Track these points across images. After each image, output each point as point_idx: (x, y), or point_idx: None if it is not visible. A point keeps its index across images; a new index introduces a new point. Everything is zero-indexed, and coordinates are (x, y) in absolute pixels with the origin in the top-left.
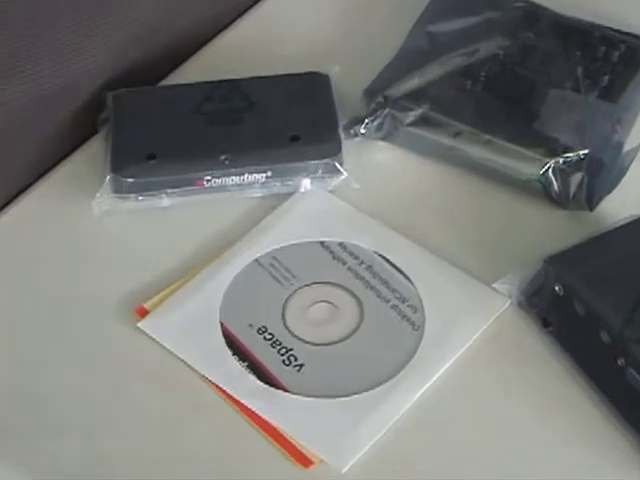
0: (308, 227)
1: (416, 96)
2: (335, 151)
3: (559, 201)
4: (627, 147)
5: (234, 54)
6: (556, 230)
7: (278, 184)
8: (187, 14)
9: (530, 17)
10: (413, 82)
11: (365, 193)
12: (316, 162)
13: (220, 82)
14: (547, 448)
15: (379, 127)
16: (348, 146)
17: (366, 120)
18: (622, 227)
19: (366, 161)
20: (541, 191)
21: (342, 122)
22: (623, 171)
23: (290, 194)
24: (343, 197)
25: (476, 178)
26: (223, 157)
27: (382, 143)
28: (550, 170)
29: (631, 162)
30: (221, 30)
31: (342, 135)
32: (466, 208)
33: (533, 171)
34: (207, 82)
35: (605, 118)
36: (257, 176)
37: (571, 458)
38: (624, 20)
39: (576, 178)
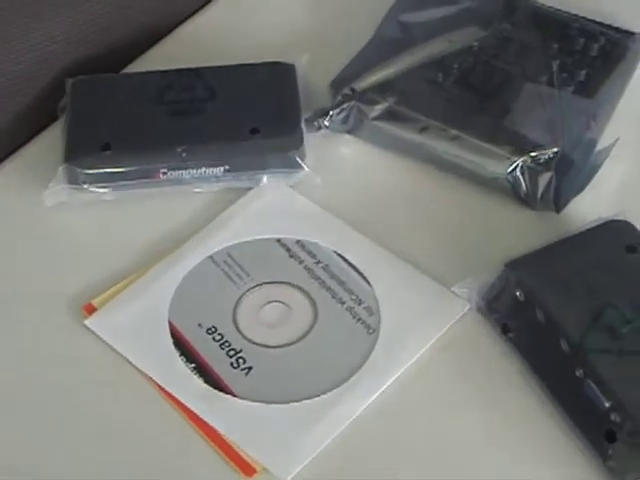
0: (265, 223)
1: (384, 89)
2: (296, 145)
3: (526, 201)
4: (600, 145)
5: (199, 42)
6: (522, 231)
7: (237, 178)
8: None
9: (508, 7)
10: (382, 74)
11: (327, 189)
12: (276, 156)
13: (182, 71)
14: (499, 458)
15: (344, 120)
16: (311, 139)
17: (331, 112)
18: (588, 232)
19: (330, 155)
20: (508, 190)
21: (307, 114)
22: (594, 170)
23: (249, 189)
24: (304, 192)
25: (442, 175)
26: (180, 149)
27: (347, 137)
28: (518, 169)
29: (603, 161)
30: (188, 17)
31: (305, 128)
32: (430, 206)
33: (500, 169)
34: (168, 71)
35: (579, 114)
36: (215, 170)
37: (522, 471)
38: (606, 11)
39: (544, 178)
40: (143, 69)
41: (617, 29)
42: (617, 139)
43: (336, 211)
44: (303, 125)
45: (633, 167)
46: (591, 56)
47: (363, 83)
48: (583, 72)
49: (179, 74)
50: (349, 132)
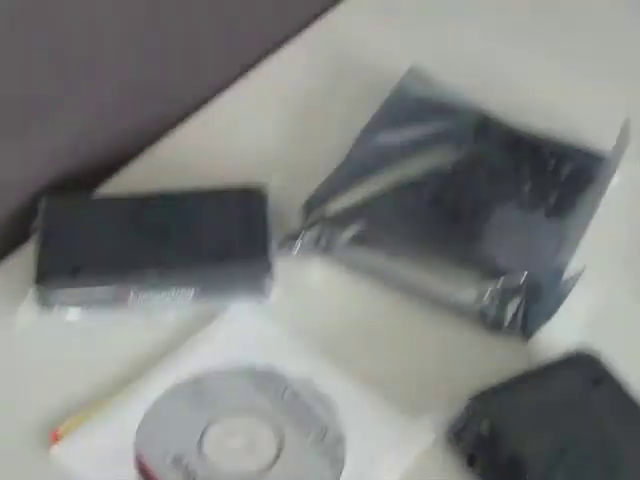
0: (233, 350)
1: (355, 212)
2: (265, 270)
3: (495, 328)
4: (569, 271)
5: (173, 163)
6: (491, 359)
7: (206, 302)
8: (126, 120)
9: (481, 128)
10: (353, 197)
11: (297, 314)
12: (245, 281)
13: (153, 195)
14: None
15: (315, 243)
16: (282, 262)
17: (302, 236)
18: (554, 364)
19: (300, 279)
20: (477, 316)
21: (278, 236)
22: (563, 297)
23: (218, 313)
24: (273, 318)
25: (412, 300)
26: (150, 272)
27: (318, 260)
28: (486, 295)
29: (571, 288)
30: (159, 137)
31: (275, 251)
32: (400, 334)
33: (469, 295)
34: (140, 195)
35: (549, 238)
36: (185, 294)
37: None
38: (578, 133)
39: (512, 305)
40: (115, 190)
41: (588, 151)
42: (584, 267)
43: (305, 336)
44: (273, 249)
45: (601, 295)
46: (562, 178)
47: (334, 206)
48: (554, 194)
49: (151, 198)
50: (320, 255)
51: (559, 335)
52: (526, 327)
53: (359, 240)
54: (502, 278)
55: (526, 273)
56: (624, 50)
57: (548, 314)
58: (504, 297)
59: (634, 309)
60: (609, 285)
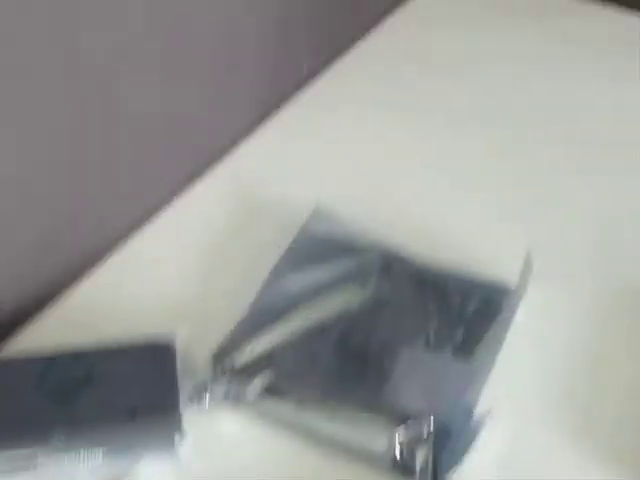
0: None
1: (263, 361)
2: (175, 427)
3: (405, 474)
4: (477, 411)
5: (79, 316)
6: None
7: (117, 462)
8: (28, 278)
9: (386, 266)
10: (261, 344)
11: (208, 468)
12: (155, 438)
13: (59, 353)
14: None
15: (225, 395)
16: (192, 415)
17: (211, 388)
18: None
19: (211, 432)
20: (388, 466)
21: (187, 389)
22: (473, 438)
23: (129, 472)
24: (184, 473)
25: (324, 451)
26: (57, 435)
27: (228, 411)
28: (395, 443)
29: (480, 429)
30: (66, 288)
31: (184, 405)
32: None
33: (378, 444)
34: (46, 354)
35: (457, 379)
36: (94, 454)
37: None
38: (482, 265)
39: (422, 452)
40: (17, 349)
41: (493, 285)
42: (492, 407)
43: None
44: (182, 405)
45: (512, 431)
46: (468, 314)
47: (243, 356)
48: (460, 332)
49: (57, 357)
50: (229, 407)
51: (473, 476)
52: (437, 474)
53: (268, 391)
54: (410, 424)
55: (434, 418)
56: (523, 181)
57: (459, 457)
58: (413, 444)
59: (546, 442)
60: (520, 421)
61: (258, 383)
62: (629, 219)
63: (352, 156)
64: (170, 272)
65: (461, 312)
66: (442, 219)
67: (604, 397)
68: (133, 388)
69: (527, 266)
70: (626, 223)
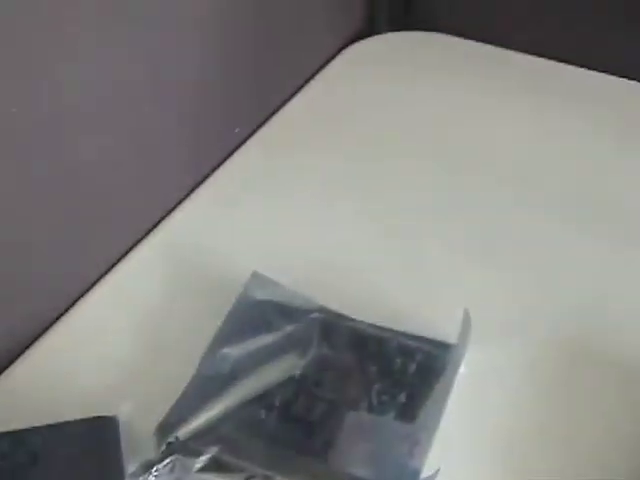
0: None
1: (206, 436)
2: None
3: None
4: (424, 474)
5: (15, 401)
6: None
7: None
8: None
9: (326, 329)
10: (205, 418)
11: None
12: None
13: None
14: None
15: (170, 471)
16: None
17: (155, 467)
18: None
19: None
20: None
21: (132, 467)
22: None
23: None
24: None
25: None
26: None
27: None
28: None
29: None
30: None
31: None
32: None
33: None
34: None
35: (401, 442)
36: None
37: None
38: (421, 325)
39: None
40: None
41: (434, 343)
42: (438, 469)
43: None
44: None
45: None
46: (410, 375)
47: (187, 430)
48: (403, 394)
49: None
50: None
51: None
52: None
53: (213, 467)
54: None
55: None
56: (456, 236)
57: None
58: None
59: None
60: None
61: (203, 458)
62: (569, 269)
63: (288, 223)
64: (106, 348)
65: (403, 374)
66: (379, 284)
67: (550, 460)
68: (77, 469)
69: (466, 324)
70: (567, 274)
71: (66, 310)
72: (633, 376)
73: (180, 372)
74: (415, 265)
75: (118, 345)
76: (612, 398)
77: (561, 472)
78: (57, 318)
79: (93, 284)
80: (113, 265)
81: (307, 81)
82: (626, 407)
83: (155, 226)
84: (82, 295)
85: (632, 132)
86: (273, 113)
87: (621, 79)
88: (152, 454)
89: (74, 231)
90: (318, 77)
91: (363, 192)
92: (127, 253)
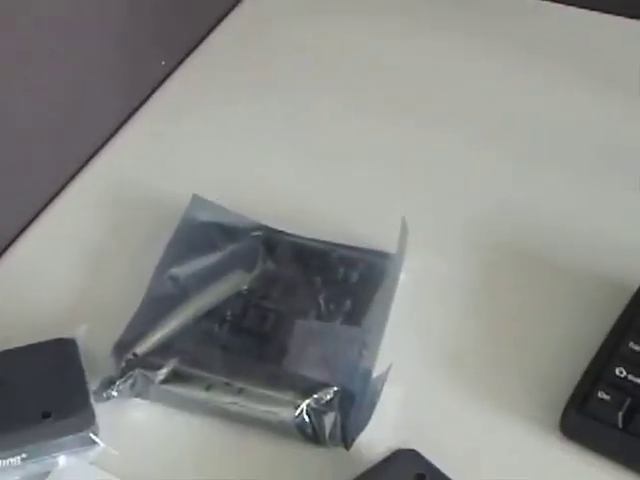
0: None
1: (165, 350)
2: (88, 423)
3: (317, 441)
4: (376, 373)
5: None
6: (317, 470)
7: (35, 465)
8: None
9: (269, 245)
10: (161, 334)
11: (126, 458)
12: (70, 437)
13: None
14: None
15: (132, 386)
16: (103, 409)
17: (117, 383)
18: (378, 465)
19: (123, 423)
20: (298, 434)
21: (94, 386)
22: (375, 399)
23: (48, 473)
24: (104, 466)
25: (237, 427)
26: None
27: (138, 400)
28: (303, 412)
29: (381, 388)
30: None
31: (94, 402)
32: (228, 462)
33: (286, 415)
34: None
35: (351, 345)
36: (12, 460)
37: None
38: (360, 236)
39: (329, 417)
40: None
41: (374, 253)
42: (390, 365)
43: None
44: (92, 400)
45: (411, 389)
46: (353, 283)
47: (144, 346)
48: (348, 301)
49: None
50: (138, 396)
51: (380, 435)
52: (346, 436)
53: (174, 378)
54: (314, 394)
55: (336, 384)
56: (389, 149)
57: (365, 419)
58: (319, 413)
59: (439, 397)
60: (415, 382)
61: (162, 373)
62: (498, 177)
63: (221, 145)
64: (56, 278)
65: (346, 283)
66: (316, 201)
67: (492, 353)
68: (43, 389)
69: (403, 232)
70: (497, 180)
71: (10, 245)
72: (564, 274)
73: (130, 296)
74: (349, 181)
75: (66, 276)
76: (549, 298)
77: (507, 369)
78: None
79: (31, 221)
80: (50, 201)
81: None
82: (559, 305)
83: (88, 161)
84: (22, 232)
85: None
86: (198, 44)
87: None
88: (112, 372)
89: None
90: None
91: (303, 106)
92: (62, 190)
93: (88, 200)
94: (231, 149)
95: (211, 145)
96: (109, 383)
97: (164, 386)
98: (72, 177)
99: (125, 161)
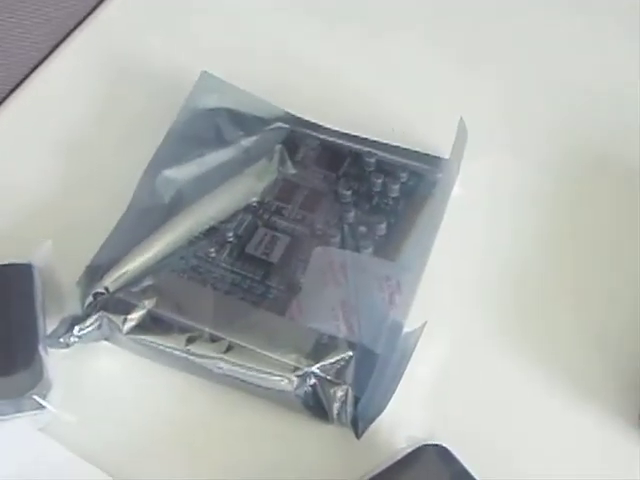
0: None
1: (141, 284)
2: (34, 382)
3: (324, 419)
4: (407, 328)
5: None
6: (324, 450)
7: None
8: None
9: (291, 143)
10: (140, 260)
11: (83, 424)
12: (10, 400)
13: None
14: None
15: (98, 327)
16: (59, 356)
17: (81, 323)
18: (401, 463)
19: (84, 376)
20: (301, 407)
21: (52, 325)
22: (402, 366)
23: None
24: (55, 434)
25: (223, 389)
26: None
27: (106, 345)
28: (308, 381)
29: (412, 350)
30: None
31: (47, 349)
32: (213, 431)
33: (286, 383)
34: None
35: (380, 286)
36: None
37: None
38: (405, 135)
39: (340, 391)
40: None
41: (422, 155)
42: (425, 323)
43: (93, 452)
44: (42, 351)
45: (447, 356)
46: (392, 199)
47: (117, 277)
48: (383, 224)
49: None
50: (106, 339)
51: (399, 420)
52: (356, 423)
53: (148, 325)
54: (323, 358)
55: (353, 344)
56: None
57: (384, 398)
58: (328, 384)
59: (486, 370)
60: (459, 333)
61: (136, 315)
62: (588, 84)
63: (243, 11)
64: (27, 168)
65: (383, 198)
66: (356, 88)
67: (556, 296)
68: None
69: (461, 135)
70: (583, 87)
71: None
72: None
73: (111, 204)
74: (398, 69)
75: (33, 171)
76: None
77: (567, 329)
78: None
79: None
80: (32, 70)
81: None
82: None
83: (81, 23)
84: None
85: None
86: None
87: None
88: (75, 309)
89: None
90: None
91: None
92: (48, 56)
93: (71, 72)
94: (254, 17)
95: (229, 11)
96: (70, 325)
97: (134, 335)
98: (58, 43)
99: (119, 26)
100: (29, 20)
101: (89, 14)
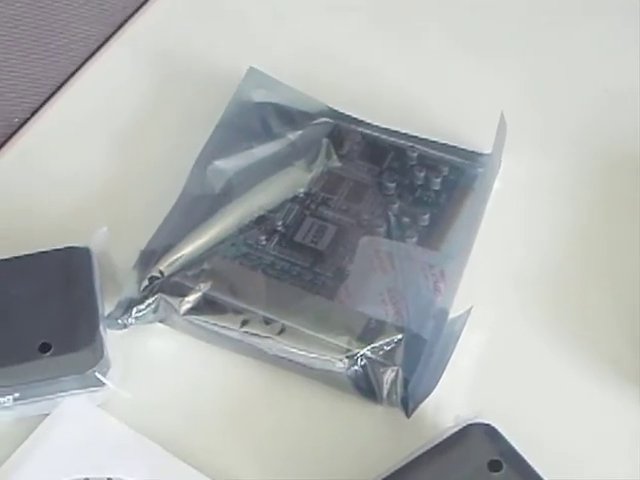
0: (67, 459)
1: (195, 269)
2: (95, 359)
3: (374, 399)
4: (453, 314)
5: None
6: (373, 431)
7: (31, 405)
8: None
9: (336, 136)
10: (193, 246)
11: (140, 402)
12: (73, 377)
13: None
14: None
15: (154, 310)
16: (117, 337)
17: (137, 305)
18: (445, 444)
19: (140, 357)
20: (352, 387)
21: (110, 306)
22: (449, 350)
23: (49, 414)
24: (113, 411)
25: (275, 370)
26: None
27: (161, 327)
28: (358, 362)
29: (459, 335)
30: None
31: (106, 330)
32: (264, 411)
33: (337, 364)
34: None
35: (425, 274)
36: (1, 399)
37: None
38: (448, 132)
39: (390, 373)
40: None
41: (463, 151)
42: (470, 308)
43: (150, 429)
44: (102, 330)
45: (493, 340)
46: (434, 192)
47: (172, 261)
48: (427, 215)
49: None
50: (162, 322)
51: (447, 398)
52: (407, 402)
53: (203, 307)
54: (373, 340)
55: (402, 328)
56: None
57: (433, 379)
58: (378, 365)
59: (532, 353)
60: (503, 318)
61: (192, 297)
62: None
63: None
64: (86, 159)
65: (427, 190)
66: (400, 84)
67: (597, 285)
68: (44, 313)
69: (502, 129)
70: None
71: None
72: None
73: (165, 192)
74: (439, 65)
75: (89, 160)
76: None
77: (604, 317)
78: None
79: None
80: (79, 68)
81: None
82: None
83: (126, 22)
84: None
85: None
86: None
87: None
88: (132, 292)
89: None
90: None
91: None
92: (91, 56)
93: (119, 69)
94: (304, 16)
95: (275, 11)
96: (127, 307)
97: (190, 316)
98: (106, 39)
99: (166, 21)
100: (86, 12)
101: (142, 5)
